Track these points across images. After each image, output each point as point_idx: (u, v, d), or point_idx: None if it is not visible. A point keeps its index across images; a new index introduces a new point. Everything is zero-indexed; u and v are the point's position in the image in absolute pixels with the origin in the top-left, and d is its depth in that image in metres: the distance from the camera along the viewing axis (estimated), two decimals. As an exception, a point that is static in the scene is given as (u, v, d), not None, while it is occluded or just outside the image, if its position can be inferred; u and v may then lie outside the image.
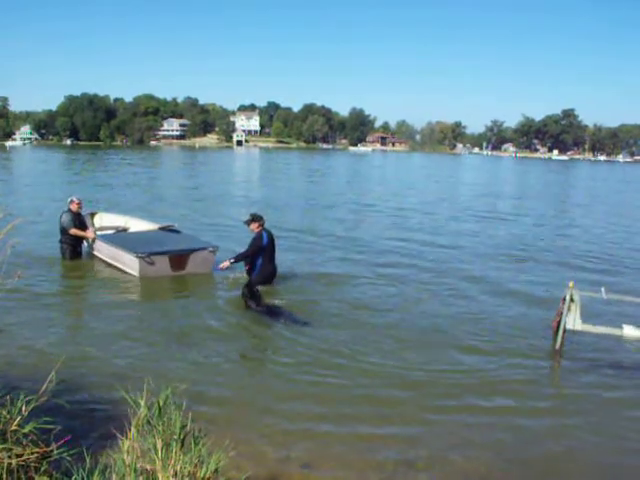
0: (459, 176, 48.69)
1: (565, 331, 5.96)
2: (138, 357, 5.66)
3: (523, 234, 14.96)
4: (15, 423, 2.77)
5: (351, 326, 6.81)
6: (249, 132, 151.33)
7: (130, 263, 8.67)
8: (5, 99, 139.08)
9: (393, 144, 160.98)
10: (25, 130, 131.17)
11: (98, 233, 9.97)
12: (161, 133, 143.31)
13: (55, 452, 2.78)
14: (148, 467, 2.59)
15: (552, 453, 4.23)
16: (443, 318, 7.27)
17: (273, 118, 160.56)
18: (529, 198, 26.88)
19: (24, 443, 2.76)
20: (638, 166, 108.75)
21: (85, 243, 10.01)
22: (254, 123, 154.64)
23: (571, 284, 5.83)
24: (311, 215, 17.37)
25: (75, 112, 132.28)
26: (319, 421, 4.50)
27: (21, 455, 2.68)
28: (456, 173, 54.22)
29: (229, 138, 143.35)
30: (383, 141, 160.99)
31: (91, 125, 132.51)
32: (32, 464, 2.72)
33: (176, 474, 2.56)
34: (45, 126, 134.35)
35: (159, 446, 2.59)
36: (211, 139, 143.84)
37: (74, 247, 9.71)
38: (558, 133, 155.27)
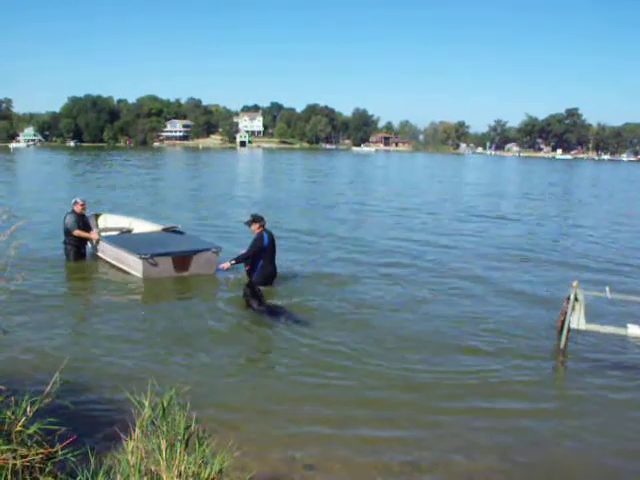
0: (462, 176, 48.60)
1: (569, 330, 5.94)
2: (141, 358, 5.67)
3: (527, 234, 14.93)
4: (20, 424, 2.78)
5: (354, 327, 6.80)
6: (252, 133, 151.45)
7: (133, 264, 8.69)
8: (9, 101, 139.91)
9: (396, 144, 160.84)
10: (29, 132, 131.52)
11: (102, 234, 10.00)
12: (164, 134, 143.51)
13: (60, 453, 2.79)
14: (152, 468, 2.59)
15: (556, 455, 4.21)
16: (446, 319, 7.25)
17: (276, 119, 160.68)
18: (533, 198, 26.80)
19: (29, 444, 2.77)
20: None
21: (89, 244, 10.05)
22: (257, 124, 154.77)
23: (575, 283, 5.82)
24: (313, 215, 17.37)
25: (78, 113, 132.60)
26: (323, 423, 4.50)
27: (26, 456, 2.69)
28: (459, 173, 54.12)
29: (232, 139, 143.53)
30: (386, 141, 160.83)
31: (94, 126, 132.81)
32: (37, 465, 2.73)
33: (180, 474, 2.56)
34: (49, 128, 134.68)
35: (163, 447, 2.59)
36: (214, 140, 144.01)
37: (78, 248, 9.74)
38: (562, 132, 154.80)
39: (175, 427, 2.64)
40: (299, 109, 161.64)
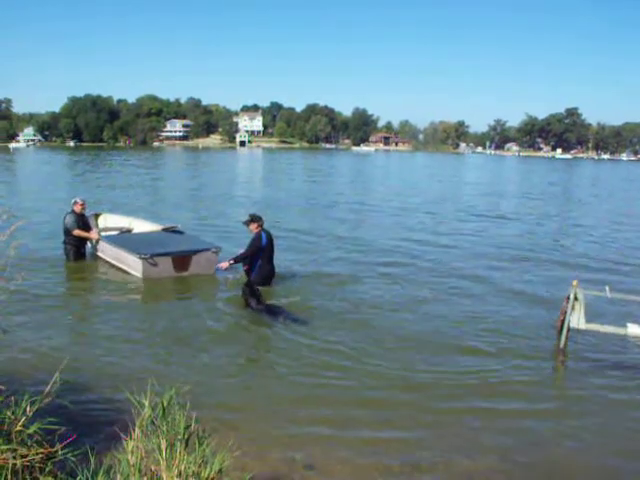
0: (462, 175, 48.59)
1: (569, 330, 5.94)
2: (141, 358, 5.67)
3: (526, 233, 14.93)
4: (20, 424, 2.78)
5: (354, 326, 6.80)
6: (252, 132, 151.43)
7: (133, 264, 8.69)
8: (8, 101, 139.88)
9: (396, 144, 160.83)
10: (28, 132, 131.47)
11: (102, 234, 10.00)
12: (164, 134, 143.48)
13: (60, 453, 2.79)
14: (152, 467, 2.59)
15: (556, 455, 4.21)
16: (446, 318, 7.25)
17: (276, 118, 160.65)
18: (532, 197, 26.80)
19: (29, 444, 2.77)
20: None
21: (89, 244, 10.04)
22: (257, 123, 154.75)
23: (575, 283, 5.82)
24: (313, 215, 17.37)
25: (78, 113, 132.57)
26: (322, 423, 4.49)
27: (26, 456, 2.69)
28: (459, 172, 54.11)
29: (232, 139, 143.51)
30: (386, 141, 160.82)
31: (94, 126, 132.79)
32: (37, 465, 2.73)
33: (180, 474, 2.56)
34: (48, 128, 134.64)
35: (163, 446, 2.59)
36: (214, 140, 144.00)
37: (78, 248, 9.73)
38: (561, 132, 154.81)
39: (175, 427, 2.64)
40: (299, 109, 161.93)
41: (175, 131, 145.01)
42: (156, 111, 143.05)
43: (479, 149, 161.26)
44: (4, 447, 2.65)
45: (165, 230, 10.39)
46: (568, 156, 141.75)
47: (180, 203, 19.52)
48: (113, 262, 9.34)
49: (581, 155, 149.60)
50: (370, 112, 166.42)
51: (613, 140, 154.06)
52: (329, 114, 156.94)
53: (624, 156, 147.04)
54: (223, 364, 5.65)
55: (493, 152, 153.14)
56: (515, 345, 6.35)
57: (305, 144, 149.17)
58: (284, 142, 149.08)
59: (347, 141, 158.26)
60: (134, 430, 2.66)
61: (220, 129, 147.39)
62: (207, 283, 8.69)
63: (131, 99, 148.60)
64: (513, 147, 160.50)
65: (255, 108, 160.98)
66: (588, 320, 5.86)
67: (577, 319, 5.84)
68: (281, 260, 8.98)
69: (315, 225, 14.98)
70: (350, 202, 21.44)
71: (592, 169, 76.83)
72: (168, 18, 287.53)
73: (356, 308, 7.53)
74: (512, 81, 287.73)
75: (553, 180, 44.32)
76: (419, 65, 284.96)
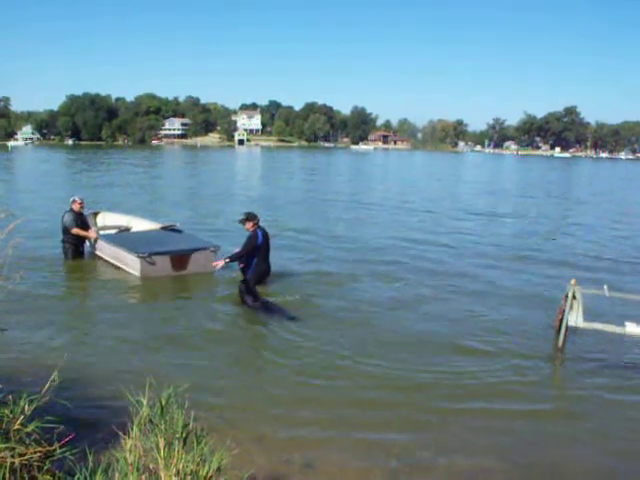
0: (461, 174, 48.62)
1: (567, 329, 5.94)
2: (139, 358, 5.67)
3: (525, 232, 14.93)
4: (18, 422, 2.78)
5: (351, 326, 6.79)
6: (251, 131, 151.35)
7: (132, 263, 8.68)
8: (7, 99, 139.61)
9: (395, 142, 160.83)
10: (27, 130, 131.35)
11: (100, 233, 9.99)
12: (163, 132, 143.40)
13: (58, 451, 2.79)
14: (150, 466, 2.59)
15: (555, 455, 4.20)
16: (444, 318, 7.25)
17: (275, 117, 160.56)
18: (531, 196, 26.82)
19: (27, 442, 2.77)
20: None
21: (87, 243, 10.03)
22: (256, 122, 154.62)
23: (573, 281, 5.82)
24: (311, 213, 17.36)
25: (77, 112, 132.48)
26: (320, 423, 4.49)
27: (24, 454, 2.69)
28: (458, 171, 54.14)
29: (231, 137, 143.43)
30: (385, 139, 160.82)
31: (93, 125, 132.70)
32: (35, 463, 2.73)
33: (178, 473, 2.56)
34: (47, 126, 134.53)
35: (161, 445, 2.59)
36: (213, 138, 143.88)
37: (76, 247, 9.72)
38: (560, 131, 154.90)
39: (173, 425, 2.64)
40: (297, 107, 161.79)
41: (174, 129, 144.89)
42: (154, 109, 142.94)
43: (478, 148, 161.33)
44: (2, 446, 2.65)
45: (163, 229, 10.38)
46: (567, 155, 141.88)
47: (178, 202, 19.50)
48: (111, 261, 9.33)
49: (580, 154, 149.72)
50: (369, 111, 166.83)
51: (612, 139, 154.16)
52: (328, 113, 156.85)
53: (622, 155, 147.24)
54: (221, 363, 5.65)
55: (492, 151, 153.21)
56: (514, 345, 6.35)
57: (304, 143, 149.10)
58: (283, 141, 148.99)
59: (346, 140, 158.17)
60: (132, 429, 2.66)
61: (219, 128, 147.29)
62: (205, 282, 8.68)
63: (130, 98, 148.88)
64: (512, 146, 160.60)
65: (254, 107, 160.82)
66: (586, 319, 5.87)
67: (575, 317, 5.84)
68: (279, 258, 8.98)
69: (313, 224, 14.97)
70: (348, 201, 21.44)
71: (591, 168, 76.89)
72: (168, 18, 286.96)
73: (354, 307, 7.52)
74: (511, 81, 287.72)
75: (552, 179, 44.36)
76: (419, 65, 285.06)
